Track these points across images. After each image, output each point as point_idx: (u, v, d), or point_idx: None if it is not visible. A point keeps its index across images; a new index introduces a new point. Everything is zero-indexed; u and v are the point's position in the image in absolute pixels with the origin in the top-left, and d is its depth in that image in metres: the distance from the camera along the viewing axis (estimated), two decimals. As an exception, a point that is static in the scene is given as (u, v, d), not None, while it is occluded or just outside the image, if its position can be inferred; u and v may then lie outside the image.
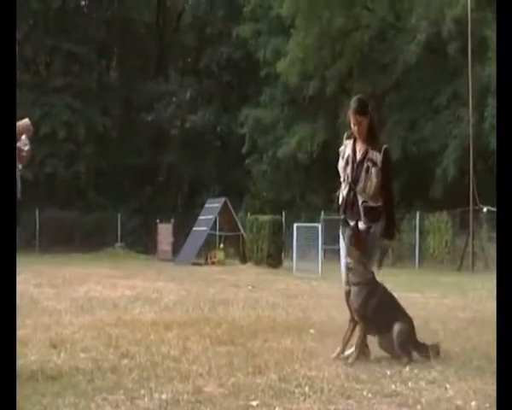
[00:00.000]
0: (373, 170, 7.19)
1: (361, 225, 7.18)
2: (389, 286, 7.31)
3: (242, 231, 29.34)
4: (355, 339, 7.10)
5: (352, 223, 7.17)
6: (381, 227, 7.28)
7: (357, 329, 7.03)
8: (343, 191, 7.40)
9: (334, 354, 6.98)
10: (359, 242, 7.09)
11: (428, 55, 32.72)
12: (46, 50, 43.93)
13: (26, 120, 6.52)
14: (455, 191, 29.51)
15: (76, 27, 43.04)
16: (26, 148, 6.41)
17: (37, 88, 39.89)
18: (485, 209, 26.63)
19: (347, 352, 7.01)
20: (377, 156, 7.22)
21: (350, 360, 6.83)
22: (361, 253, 7.09)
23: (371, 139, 7.32)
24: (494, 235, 26.23)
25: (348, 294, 7.08)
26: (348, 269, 7.12)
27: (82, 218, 39.56)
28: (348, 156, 7.33)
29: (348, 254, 7.15)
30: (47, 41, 41.73)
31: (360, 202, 7.24)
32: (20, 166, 6.38)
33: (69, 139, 39.90)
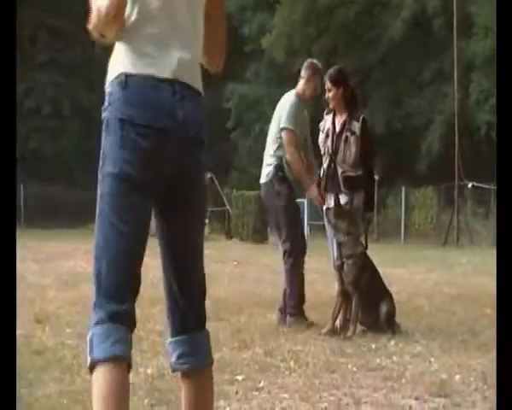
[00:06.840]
0: (351, 139, 7.27)
1: (342, 198, 7.23)
2: (375, 261, 7.32)
3: (228, 207, 29.33)
4: (342, 314, 7.13)
5: (330, 199, 7.22)
6: (362, 199, 7.34)
7: (353, 302, 6.99)
8: (324, 164, 7.46)
9: (324, 330, 6.97)
10: (343, 213, 7.12)
11: (413, 31, 32.73)
12: (30, 26, 43.48)
13: None
14: (440, 167, 29.59)
15: (60, 2, 42.62)
16: None
17: (22, 64, 39.48)
18: (469, 185, 26.75)
19: (324, 330, 7.01)
20: (355, 126, 7.30)
21: (349, 334, 6.84)
22: (348, 224, 7.10)
23: (350, 110, 7.39)
24: (479, 210, 26.46)
25: (341, 267, 7.05)
26: (339, 244, 7.12)
27: (68, 193, 39.26)
28: (328, 129, 7.42)
29: (335, 227, 7.15)
30: (30, 16, 41.29)
31: (340, 173, 7.27)
32: None
33: (54, 115, 39.64)
